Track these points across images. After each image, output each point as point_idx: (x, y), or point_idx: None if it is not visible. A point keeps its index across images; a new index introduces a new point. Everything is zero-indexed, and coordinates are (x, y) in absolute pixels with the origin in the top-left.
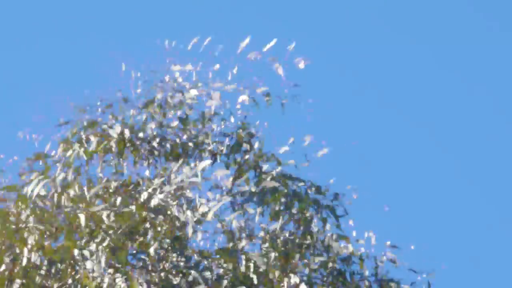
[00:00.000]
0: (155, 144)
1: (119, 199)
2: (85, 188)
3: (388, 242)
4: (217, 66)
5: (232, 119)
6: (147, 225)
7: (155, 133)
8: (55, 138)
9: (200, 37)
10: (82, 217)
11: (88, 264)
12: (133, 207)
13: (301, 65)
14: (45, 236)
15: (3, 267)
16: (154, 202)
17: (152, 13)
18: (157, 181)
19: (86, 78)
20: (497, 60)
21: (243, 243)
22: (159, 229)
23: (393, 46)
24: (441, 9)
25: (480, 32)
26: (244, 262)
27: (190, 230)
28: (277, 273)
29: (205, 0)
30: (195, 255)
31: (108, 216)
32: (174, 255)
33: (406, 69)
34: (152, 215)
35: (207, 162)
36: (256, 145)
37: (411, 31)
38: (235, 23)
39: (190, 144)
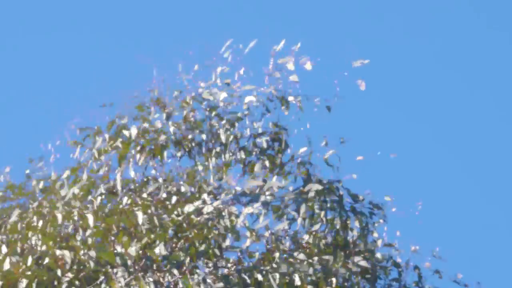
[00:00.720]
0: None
1: (174, 198)
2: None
3: (437, 249)
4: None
5: (262, 121)
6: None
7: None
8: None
9: (200, 38)
10: (139, 215)
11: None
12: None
13: (308, 66)
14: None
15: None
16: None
17: (152, 13)
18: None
19: (90, 78)
20: (498, 59)
21: (287, 245)
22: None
23: (395, 46)
24: (442, 9)
25: (480, 31)
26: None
27: (226, 243)
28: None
29: (206, 1)
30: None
31: (174, 220)
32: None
33: (408, 68)
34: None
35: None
36: (303, 149)
37: (412, 30)
38: (235, 23)
39: (223, 141)
